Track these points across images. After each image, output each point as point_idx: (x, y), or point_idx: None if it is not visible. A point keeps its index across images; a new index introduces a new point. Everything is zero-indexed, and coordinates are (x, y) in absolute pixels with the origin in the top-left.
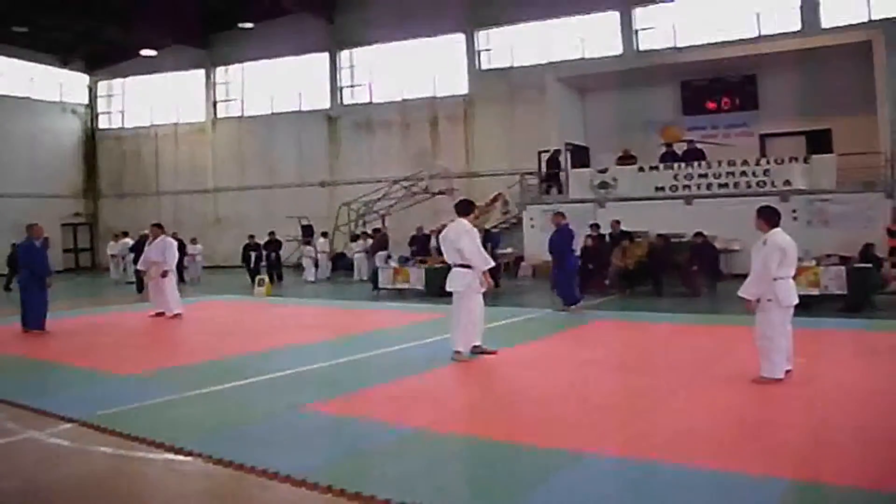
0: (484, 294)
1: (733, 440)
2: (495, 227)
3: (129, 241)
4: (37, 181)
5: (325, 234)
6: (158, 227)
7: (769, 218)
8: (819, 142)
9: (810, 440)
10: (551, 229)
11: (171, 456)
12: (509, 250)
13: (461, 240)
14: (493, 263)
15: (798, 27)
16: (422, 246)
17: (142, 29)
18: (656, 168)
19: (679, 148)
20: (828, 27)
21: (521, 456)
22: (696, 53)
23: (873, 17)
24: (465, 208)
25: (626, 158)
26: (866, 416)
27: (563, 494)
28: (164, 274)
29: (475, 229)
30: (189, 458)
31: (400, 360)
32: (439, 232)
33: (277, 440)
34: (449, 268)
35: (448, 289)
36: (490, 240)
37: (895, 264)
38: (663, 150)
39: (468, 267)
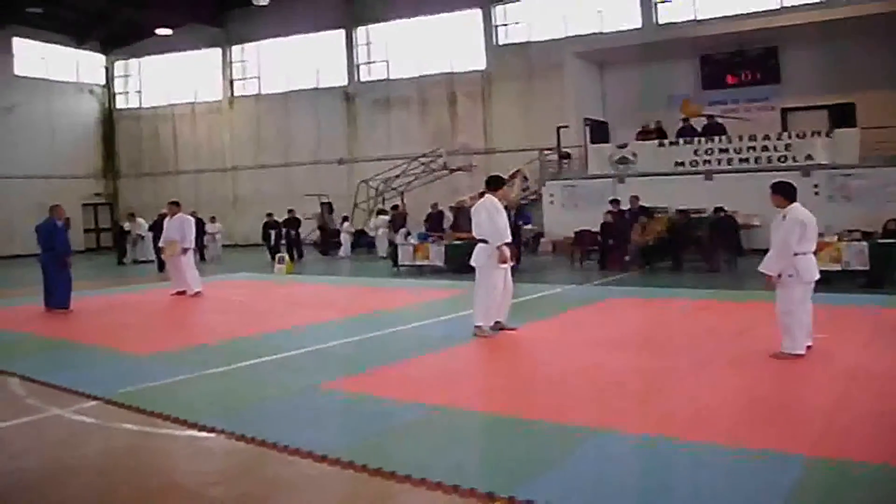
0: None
1: (753, 417)
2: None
3: (143, 222)
4: (56, 162)
5: (382, 212)
6: (176, 205)
7: (787, 193)
8: (842, 116)
9: (831, 417)
10: (571, 206)
11: (193, 432)
12: (529, 226)
13: (480, 214)
14: (507, 238)
15: None
16: (436, 223)
17: (157, 8)
18: (676, 143)
19: (697, 123)
20: None
21: (539, 433)
22: (717, 26)
23: None
24: (490, 184)
25: (645, 133)
26: (887, 393)
27: (581, 472)
28: (184, 251)
29: (496, 204)
30: (211, 435)
31: (420, 337)
32: (457, 207)
33: (299, 417)
34: (469, 244)
35: (471, 263)
36: (520, 216)
37: None
38: (680, 125)
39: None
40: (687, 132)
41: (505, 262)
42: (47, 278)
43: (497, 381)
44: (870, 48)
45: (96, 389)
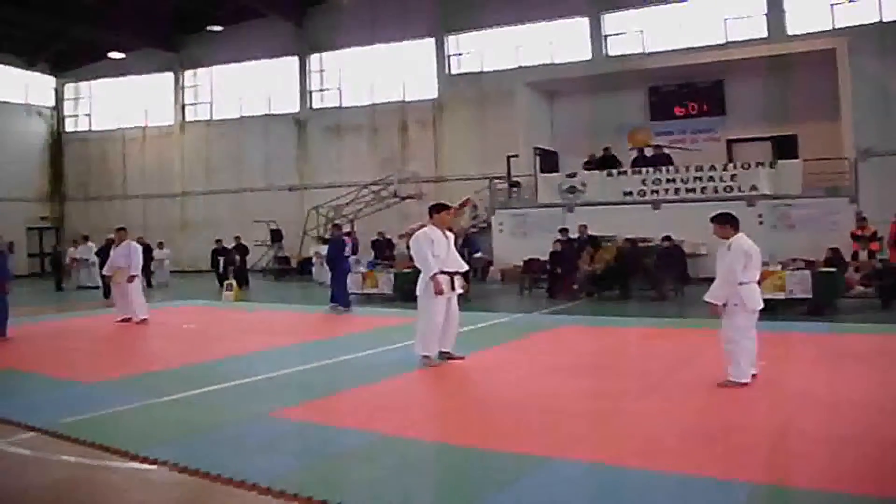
0: (460, 298)
1: (700, 444)
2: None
3: (92, 246)
4: (1, 184)
5: (325, 241)
6: (123, 231)
7: (732, 223)
8: (785, 147)
9: (776, 443)
10: (520, 234)
11: (135, 464)
12: (478, 255)
13: (412, 246)
14: (434, 270)
15: (765, 34)
16: (381, 250)
17: (110, 31)
18: (624, 173)
19: (649, 152)
20: (794, 34)
21: (488, 461)
22: (665, 59)
23: (837, 25)
24: (430, 211)
25: (592, 163)
26: (830, 419)
27: (527, 498)
28: (131, 279)
29: (429, 234)
30: (154, 466)
31: (368, 366)
32: (409, 236)
33: (245, 447)
34: (417, 272)
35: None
36: (468, 244)
37: (858, 269)
38: (634, 154)
39: None
40: (640, 162)
41: (440, 293)
42: None
43: (445, 409)
44: (811, 83)
45: (35, 420)
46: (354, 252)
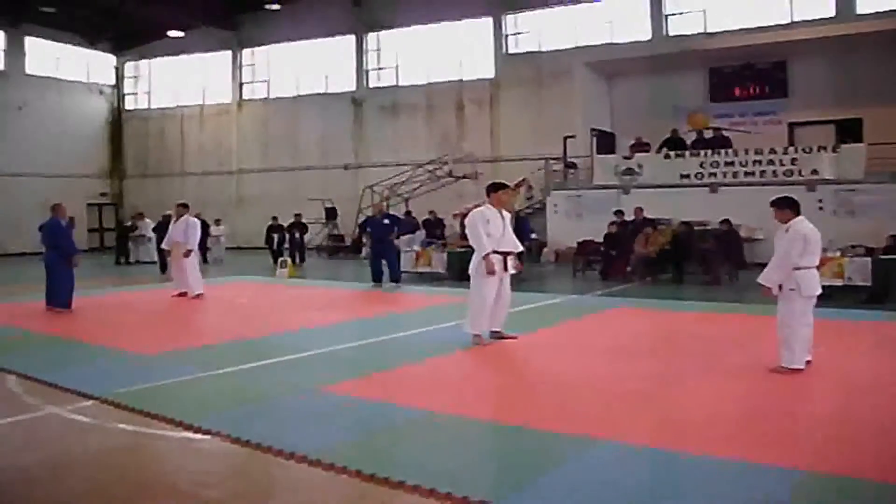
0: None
1: (751, 430)
2: (518, 212)
3: (149, 222)
4: (63, 161)
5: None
6: (183, 207)
7: (792, 207)
8: (849, 131)
9: (828, 431)
10: (574, 216)
11: (189, 434)
12: (533, 236)
13: (468, 225)
14: (488, 249)
15: (832, 13)
16: (432, 229)
17: (169, 10)
18: (682, 156)
19: (708, 135)
20: (863, 13)
21: (536, 441)
22: (727, 39)
23: None
24: (487, 190)
25: (639, 146)
26: (886, 409)
27: (576, 479)
28: (187, 254)
29: (485, 214)
30: (207, 437)
31: (419, 343)
32: (463, 216)
33: (296, 420)
34: (470, 252)
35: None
36: (520, 225)
37: None
38: (693, 136)
39: None
40: (698, 145)
41: (491, 273)
42: (50, 277)
43: (495, 387)
44: (878, 64)
45: (94, 389)
46: (413, 230)
